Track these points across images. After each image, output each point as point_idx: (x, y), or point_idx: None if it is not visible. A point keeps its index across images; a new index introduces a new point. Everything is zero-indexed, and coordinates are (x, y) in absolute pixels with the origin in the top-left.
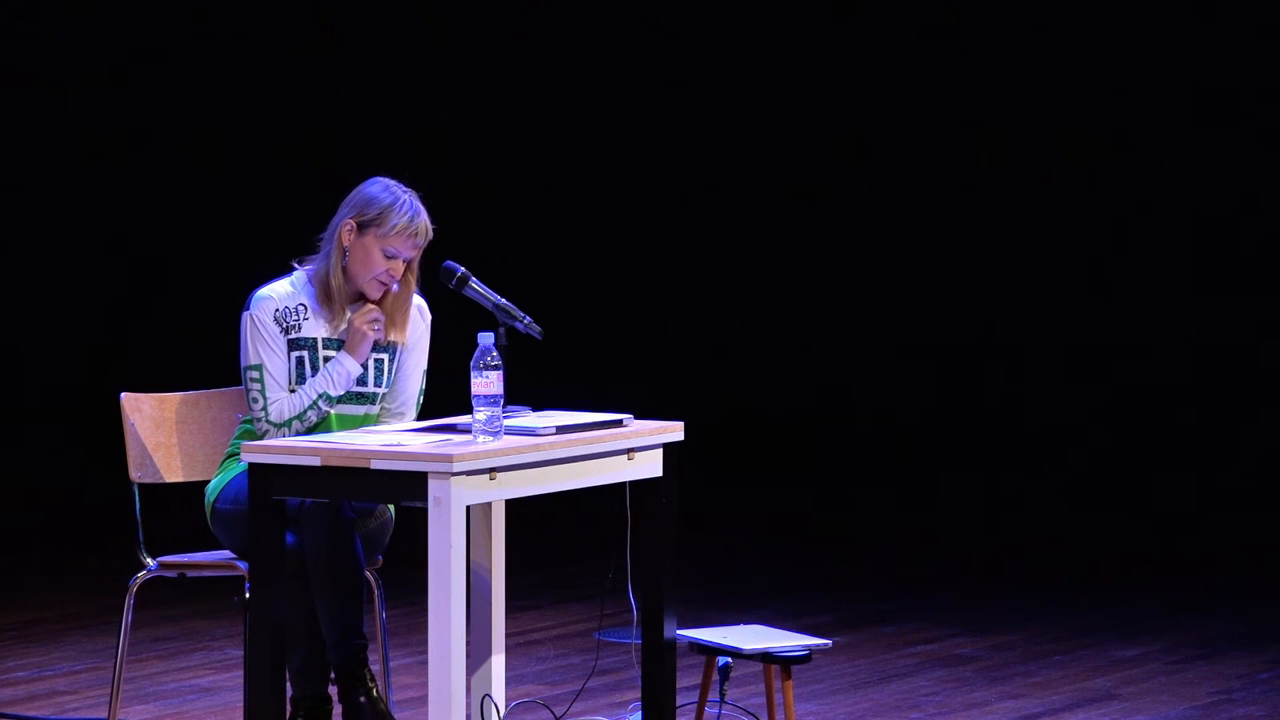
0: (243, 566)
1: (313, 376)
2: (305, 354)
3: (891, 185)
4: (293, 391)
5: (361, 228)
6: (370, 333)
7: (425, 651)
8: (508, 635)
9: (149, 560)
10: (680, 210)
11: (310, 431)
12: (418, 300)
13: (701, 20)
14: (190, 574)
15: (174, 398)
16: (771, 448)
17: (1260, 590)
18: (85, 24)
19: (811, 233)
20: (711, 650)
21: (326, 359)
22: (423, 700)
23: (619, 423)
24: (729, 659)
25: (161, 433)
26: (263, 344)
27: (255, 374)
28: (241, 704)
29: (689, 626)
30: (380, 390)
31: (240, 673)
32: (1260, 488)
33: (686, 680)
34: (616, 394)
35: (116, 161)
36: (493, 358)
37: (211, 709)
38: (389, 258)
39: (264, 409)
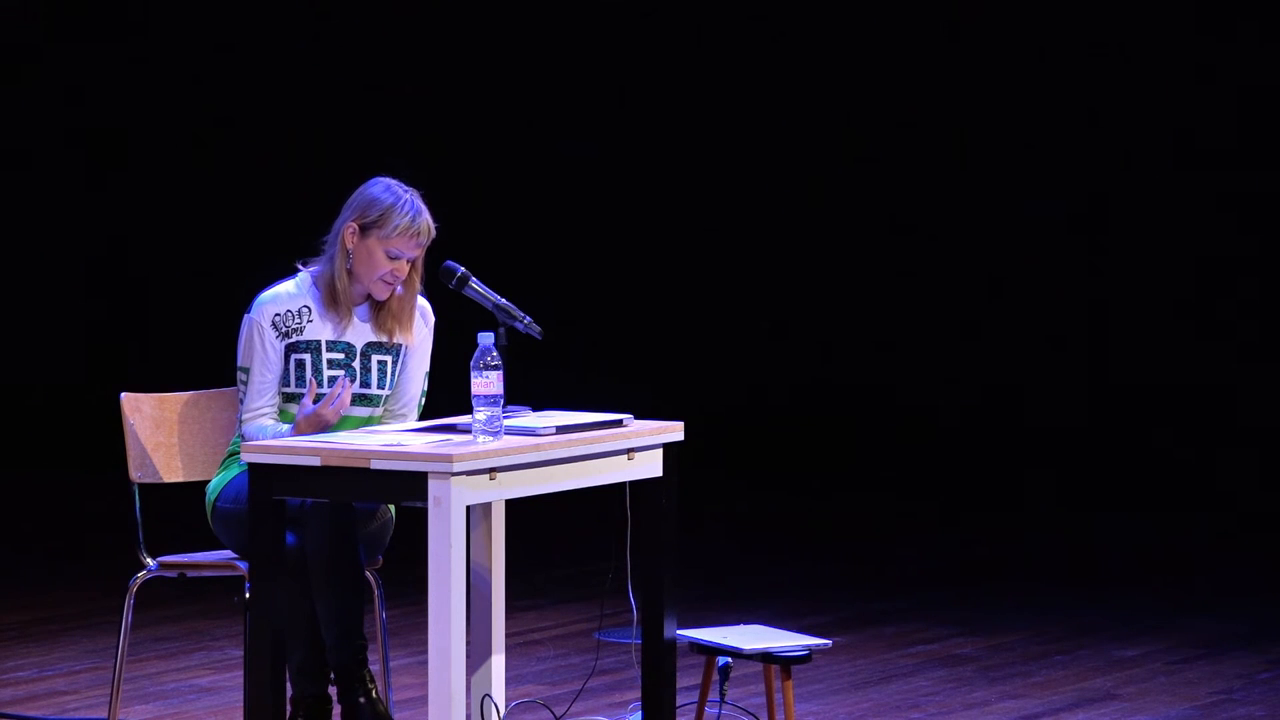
0: (243, 566)
1: (306, 385)
2: (308, 356)
3: (892, 184)
4: (286, 397)
5: (364, 230)
6: (332, 418)
7: (425, 651)
8: (508, 635)
9: (149, 560)
10: (680, 210)
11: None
12: (422, 302)
13: (701, 18)
14: (190, 574)
15: (174, 398)
16: (772, 447)
17: (1260, 590)
18: (90, 22)
19: (813, 232)
20: (711, 650)
21: (331, 361)
22: (423, 700)
23: (619, 423)
24: (729, 659)
25: (161, 433)
26: (255, 351)
27: (243, 376)
28: (241, 704)
29: (689, 626)
30: (384, 392)
31: (240, 673)
32: (1260, 487)
33: (686, 680)
34: (616, 394)
35: (118, 161)
36: (493, 358)
37: (211, 709)
38: (392, 258)
39: (243, 412)
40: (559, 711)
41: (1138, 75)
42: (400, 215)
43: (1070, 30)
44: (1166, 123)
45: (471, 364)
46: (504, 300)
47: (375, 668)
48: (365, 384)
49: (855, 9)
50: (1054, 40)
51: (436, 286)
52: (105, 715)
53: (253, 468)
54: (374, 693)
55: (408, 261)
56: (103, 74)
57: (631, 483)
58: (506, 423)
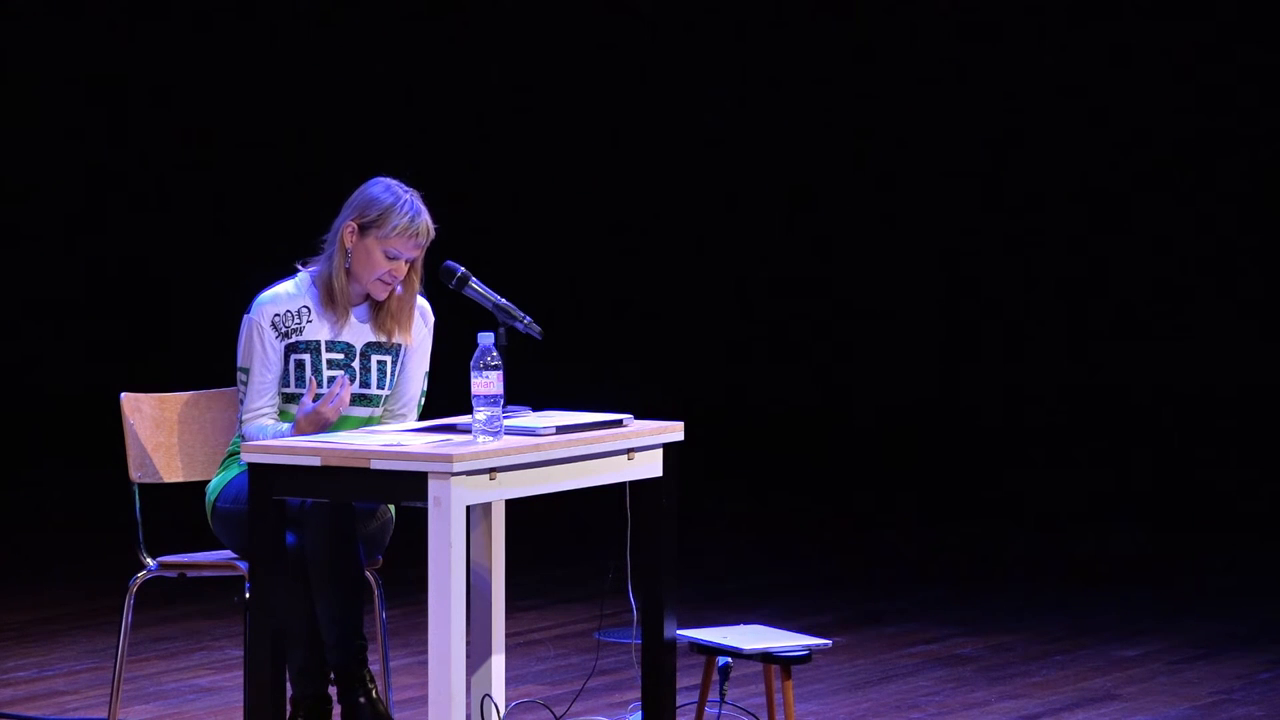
0: (243, 566)
1: (305, 389)
2: (307, 357)
3: (892, 184)
4: (285, 397)
5: (363, 229)
6: (332, 416)
7: (425, 651)
8: (508, 635)
9: (149, 560)
10: (680, 210)
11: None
12: (421, 302)
13: (698, 18)
14: (190, 574)
15: (174, 398)
16: (772, 447)
17: (1260, 590)
18: (89, 22)
19: (813, 231)
20: (711, 650)
21: (330, 361)
22: (423, 700)
23: (619, 423)
24: (729, 659)
25: (161, 433)
26: (254, 351)
27: (243, 376)
28: (241, 704)
29: (689, 626)
30: (384, 392)
31: (240, 673)
32: (1259, 488)
33: (686, 680)
34: (616, 394)
35: (119, 161)
36: (493, 358)
37: (211, 709)
38: (391, 259)
39: (243, 412)
40: (559, 711)
41: (1139, 75)
42: (399, 215)
43: (1071, 30)
44: (1167, 123)
45: (471, 364)
46: (504, 300)
47: (375, 668)
48: (365, 384)
49: (855, 9)
50: (1054, 40)
51: (436, 286)
52: (105, 715)
53: (253, 468)
54: (374, 693)
55: (406, 262)
56: (104, 74)
57: (631, 483)
58: (506, 423)
